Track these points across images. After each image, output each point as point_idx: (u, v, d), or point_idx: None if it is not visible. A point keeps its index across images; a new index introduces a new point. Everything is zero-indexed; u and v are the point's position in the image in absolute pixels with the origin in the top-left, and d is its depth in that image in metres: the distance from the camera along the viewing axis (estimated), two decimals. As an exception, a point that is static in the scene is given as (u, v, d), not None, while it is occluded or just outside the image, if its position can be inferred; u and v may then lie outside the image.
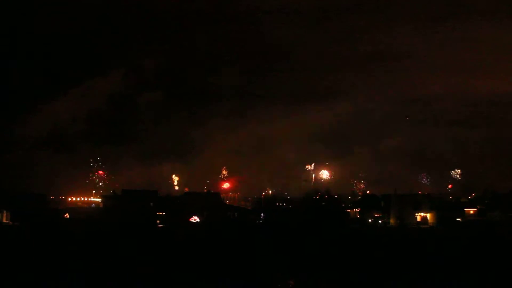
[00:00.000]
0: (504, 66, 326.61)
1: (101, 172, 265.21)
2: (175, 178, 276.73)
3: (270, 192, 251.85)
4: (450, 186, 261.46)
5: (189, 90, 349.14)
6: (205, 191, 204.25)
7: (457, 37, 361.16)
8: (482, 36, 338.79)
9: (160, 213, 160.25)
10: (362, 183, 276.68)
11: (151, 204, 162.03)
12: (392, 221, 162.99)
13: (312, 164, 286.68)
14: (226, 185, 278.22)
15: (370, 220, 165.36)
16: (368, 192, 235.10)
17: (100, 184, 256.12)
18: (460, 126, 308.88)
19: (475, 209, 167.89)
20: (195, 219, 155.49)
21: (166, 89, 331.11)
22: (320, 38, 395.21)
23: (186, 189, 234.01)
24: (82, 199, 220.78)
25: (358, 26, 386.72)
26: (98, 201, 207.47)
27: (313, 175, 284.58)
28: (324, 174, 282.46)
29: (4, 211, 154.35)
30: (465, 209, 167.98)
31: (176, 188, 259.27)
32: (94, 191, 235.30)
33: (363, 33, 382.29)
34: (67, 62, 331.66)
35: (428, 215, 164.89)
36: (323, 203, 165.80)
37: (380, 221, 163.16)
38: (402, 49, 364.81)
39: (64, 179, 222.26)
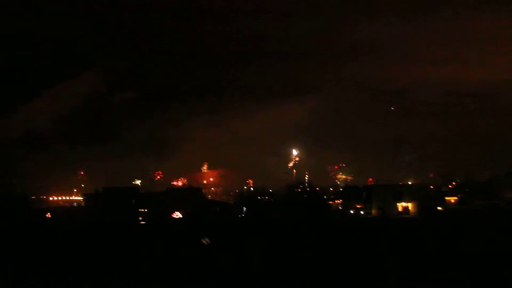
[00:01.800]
0: (482, 57, 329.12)
1: (81, 171, 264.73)
2: (157, 175, 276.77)
3: (251, 185, 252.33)
4: (431, 175, 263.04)
5: (164, 89, 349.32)
6: (187, 186, 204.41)
7: (435, 28, 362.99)
8: (460, 27, 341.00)
9: (142, 210, 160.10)
10: (343, 174, 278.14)
11: (133, 201, 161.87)
12: (374, 211, 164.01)
13: (293, 157, 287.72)
14: (207, 180, 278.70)
15: (352, 211, 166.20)
16: (349, 182, 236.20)
17: (82, 183, 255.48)
18: (439, 116, 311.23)
19: (456, 198, 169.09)
20: (177, 215, 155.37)
21: (141, 88, 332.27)
22: (295, 32, 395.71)
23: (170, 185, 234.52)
24: (64, 198, 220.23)
25: (335, 19, 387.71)
26: (80, 199, 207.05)
27: (294, 169, 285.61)
28: (305, 166, 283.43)
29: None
30: (446, 198, 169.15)
31: (158, 184, 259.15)
32: (75, 190, 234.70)
33: (341, 26, 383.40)
34: (42, 63, 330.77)
35: (409, 205, 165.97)
36: (305, 196, 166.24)
37: (362, 212, 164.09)
38: (379, 41, 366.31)
39: (45, 178, 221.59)
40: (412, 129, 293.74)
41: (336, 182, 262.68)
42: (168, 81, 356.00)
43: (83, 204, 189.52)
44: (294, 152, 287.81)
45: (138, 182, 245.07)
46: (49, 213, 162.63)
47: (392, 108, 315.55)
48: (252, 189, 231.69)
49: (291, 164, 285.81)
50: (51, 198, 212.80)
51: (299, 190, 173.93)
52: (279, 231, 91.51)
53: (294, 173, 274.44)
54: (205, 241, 69.16)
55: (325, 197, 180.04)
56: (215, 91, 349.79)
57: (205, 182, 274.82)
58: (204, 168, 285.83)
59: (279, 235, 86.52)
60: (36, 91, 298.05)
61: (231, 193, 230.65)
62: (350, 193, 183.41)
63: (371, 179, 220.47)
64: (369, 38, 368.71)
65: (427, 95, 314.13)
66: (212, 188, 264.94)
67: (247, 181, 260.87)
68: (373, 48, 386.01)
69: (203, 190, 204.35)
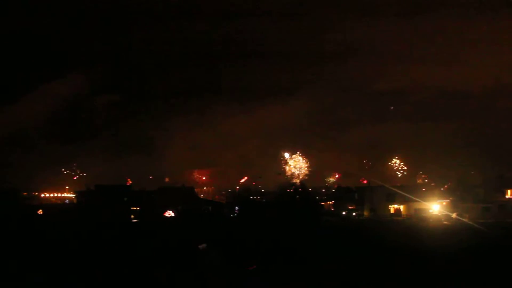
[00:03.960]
0: (479, 58, 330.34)
1: (74, 168, 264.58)
2: (150, 174, 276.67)
3: (243, 185, 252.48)
4: (424, 176, 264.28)
5: (151, 90, 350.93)
6: (180, 185, 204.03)
7: (422, 30, 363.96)
8: (447, 29, 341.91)
9: (134, 208, 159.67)
10: (335, 175, 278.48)
11: (125, 199, 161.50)
12: (366, 213, 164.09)
13: (285, 157, 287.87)
14: (199, 179, 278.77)
15: (344, 213, 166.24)
16: (340, 184, 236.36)
17: (74, 180, 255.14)
18: (430, 118, 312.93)
19: (448, 201, 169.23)
20: (169, 213, 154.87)
21: (127, 90, 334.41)
22: (282, 35, 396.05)
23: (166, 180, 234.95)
24: (56, 195, 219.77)
25: (322, 22, 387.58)
26: (72, 197, 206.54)
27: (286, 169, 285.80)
28: (297, 167, 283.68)
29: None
30: (439, 201, 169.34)
31: (151, 183, 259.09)
32: (67, 187, 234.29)
33: (335, 26, 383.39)
34: (28, 64, 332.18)
35: (401, 207, 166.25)
36: (297, 196, 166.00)
37: (354, 214, 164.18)
38: (366, 44, 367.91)
39: (37, 176, 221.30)
40: (404, 131, 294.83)
41: (329, 183, 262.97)
42: (154, 82, 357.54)
43: (75, 201, 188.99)
44: (286, 153, 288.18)
45: (129, 180, 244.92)
46: (40, 210, 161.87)
47: (392, 108, 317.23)
48: (244, 188, 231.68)
49: (283, 165, 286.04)
50: (42, 195, 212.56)
51: (291, 190, 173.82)
52: (272, 231, 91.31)
53: (286, 174, 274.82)
54: (202, 247, 68.90)
55: (317, 198, 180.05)
56: (199, 93, 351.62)
57: (197, 181, 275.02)
58: (195, 174, 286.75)
59: (273, 235, 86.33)
60: (24, 92, 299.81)
61: (223, 192, 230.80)
62: (342, 194, 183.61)
63: (366, 181, 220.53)
64: (364, 38, 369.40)
65: (422, 96, 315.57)
66: (204, 187, 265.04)
67: (240, 181, 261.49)
68: (370, 49, 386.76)
69: (195, 189, 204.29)
